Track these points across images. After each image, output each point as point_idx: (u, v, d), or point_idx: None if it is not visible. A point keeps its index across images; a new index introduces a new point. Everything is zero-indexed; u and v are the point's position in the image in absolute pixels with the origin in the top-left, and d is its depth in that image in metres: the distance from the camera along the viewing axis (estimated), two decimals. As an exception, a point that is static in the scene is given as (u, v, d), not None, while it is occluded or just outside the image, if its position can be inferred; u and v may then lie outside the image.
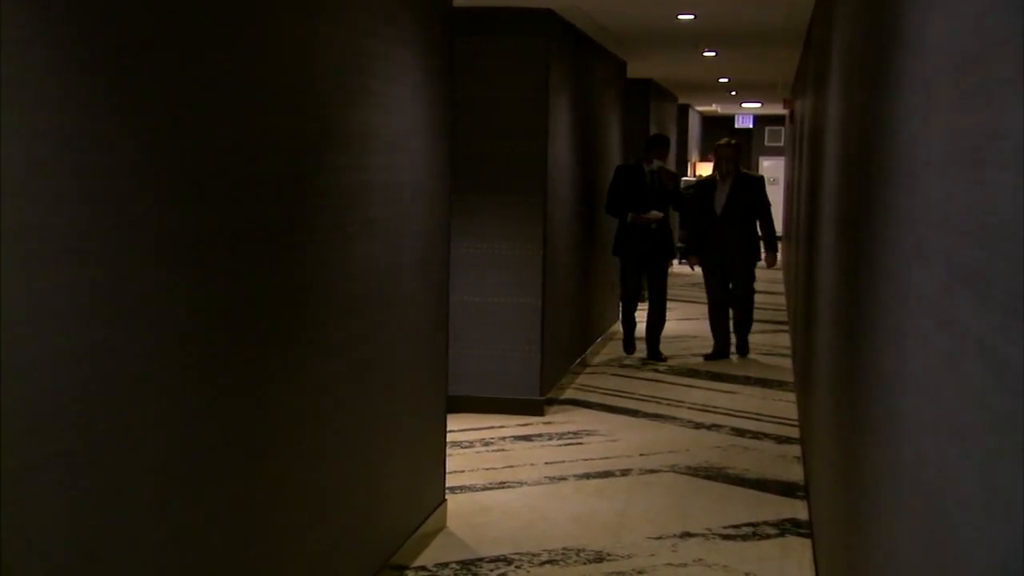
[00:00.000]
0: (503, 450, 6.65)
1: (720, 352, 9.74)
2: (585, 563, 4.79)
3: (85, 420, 2.35)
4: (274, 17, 3.24)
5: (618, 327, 10.10)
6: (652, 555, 4.90)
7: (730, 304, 9.62)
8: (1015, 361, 1.14)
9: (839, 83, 4.55)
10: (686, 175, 19.15)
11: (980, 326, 1.34)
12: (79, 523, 2.34)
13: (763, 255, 9.58)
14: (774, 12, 7.79)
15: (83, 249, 2.32)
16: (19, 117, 2.10)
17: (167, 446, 2.69)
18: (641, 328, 9.68)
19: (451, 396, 5.72)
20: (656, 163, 9.35)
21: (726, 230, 9.37)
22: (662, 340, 9.76)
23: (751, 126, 23.10)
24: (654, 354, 9.60)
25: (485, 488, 5.86)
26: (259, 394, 3.21)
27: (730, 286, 9.57)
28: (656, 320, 9.52)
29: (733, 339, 9.83)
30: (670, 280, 9.98)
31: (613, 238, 9.49)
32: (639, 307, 9.63)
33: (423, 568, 4.68)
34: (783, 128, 22.78)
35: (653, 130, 14.02)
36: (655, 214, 9.17)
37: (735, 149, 9.55)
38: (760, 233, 9.53)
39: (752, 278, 9.68)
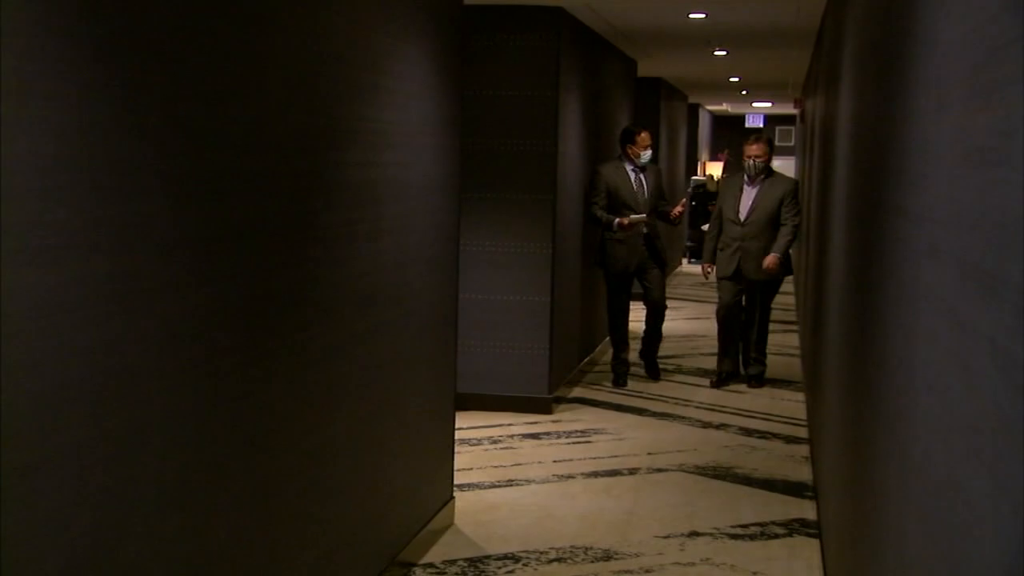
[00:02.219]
0: (511, 448, 6.65)
1: (730, 376, 8.65)
2: (593, 561, 4.79)
3: (93, 416, 2.36)
4: (283, 13, 3.24)
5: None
6: (660, 554, 4.89)
7: (744, 320, 8.49)
8: (1025, 361, 1.13)
9: (850, 82, 4.54)
10: (696, 174, 19.12)
11: (990, 326, 1.34)
12: (86, 518, 2.35)
13: (769, 255, 8.06)
14: (785, 11, 7.78)
15: (92, 244, 2.32)
16: (27, 112, 2.11)
17: (174, 442, 2.69)
18: (634, 333, 8.97)
19: (459, 393, 5.72)
20: (646, 155, 8.30)
21: (751, 238, 8.18)
22: (662, 348, 9.07)
23: (762, 125, 23.07)
24: (651, 371, 8.77)
25: (493, 486, 5.86)
26: (267, 391, 3.21)
27: (743, 302, 8.43)
28: (653, 334, 8.66)
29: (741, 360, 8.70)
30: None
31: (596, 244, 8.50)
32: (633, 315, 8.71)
33: (431, 565, 4.68)
34: (793, 128, 22.74)
35: (664, 130, 13.98)
36: (634, 217, 8.06)
37: (766, 146, 8.23)
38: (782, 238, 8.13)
39: (774, 292, 8.50)
